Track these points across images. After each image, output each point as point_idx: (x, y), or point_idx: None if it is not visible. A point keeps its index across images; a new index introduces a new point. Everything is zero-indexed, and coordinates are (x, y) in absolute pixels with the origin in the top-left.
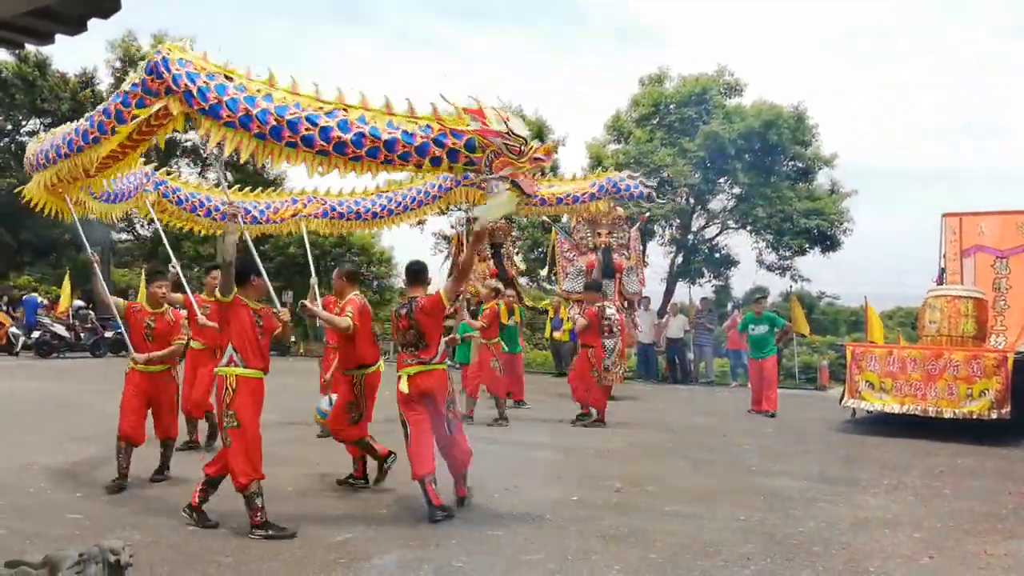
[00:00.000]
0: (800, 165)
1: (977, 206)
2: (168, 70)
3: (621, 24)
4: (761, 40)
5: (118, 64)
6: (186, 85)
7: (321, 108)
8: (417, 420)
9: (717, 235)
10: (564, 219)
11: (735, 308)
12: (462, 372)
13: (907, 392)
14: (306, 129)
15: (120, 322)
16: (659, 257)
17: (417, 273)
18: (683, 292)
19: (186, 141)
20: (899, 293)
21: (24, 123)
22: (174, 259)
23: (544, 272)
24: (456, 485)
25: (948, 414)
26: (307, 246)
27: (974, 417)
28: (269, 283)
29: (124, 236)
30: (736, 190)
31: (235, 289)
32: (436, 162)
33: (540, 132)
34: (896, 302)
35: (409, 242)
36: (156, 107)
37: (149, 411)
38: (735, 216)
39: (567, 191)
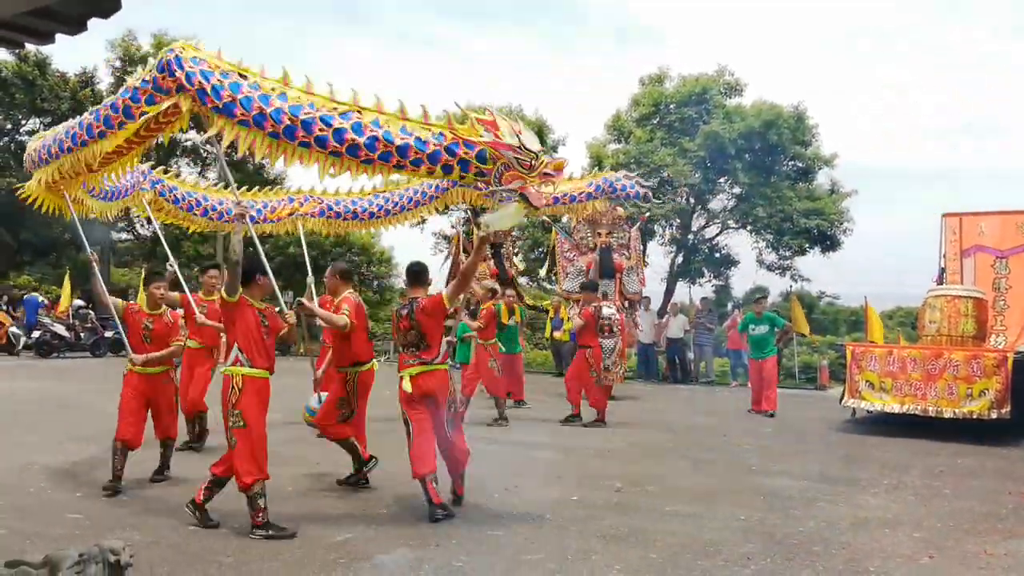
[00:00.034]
0: (800, 165)
1: (977, 206)
2: (181, 68)
3: (621, 24)
4: (761, 40)
5: (118, 64)
6: (200, 83)
7: (335, 109)
8: (419, 419)
9: (717, 235)
10: (564, 219)
11: (735, 308)
12: (462, 372)
13: (907, 392)
14: (320, 130)
15: (118, 323)
16: (659, 257)
17: (418, 274)
18: (683, 292)
19: (186, 141)
20: (899, 293)
21: (24, 122)
22: (171, 258)
23: (543, 272)
24: (454, 484)
25: (948, 414)
26: (303, 245)
27: (974, 417)
28: (274, 281)
29: (124, 236)
30: (736, 190)
31: (240, 289)
32: (447, 170)
33: (540, 132)
34: (896, 302)
35: (409, 242)
36: (166, 104)
37: (148, 413)
38: (735, 216)
39: (564, 191)
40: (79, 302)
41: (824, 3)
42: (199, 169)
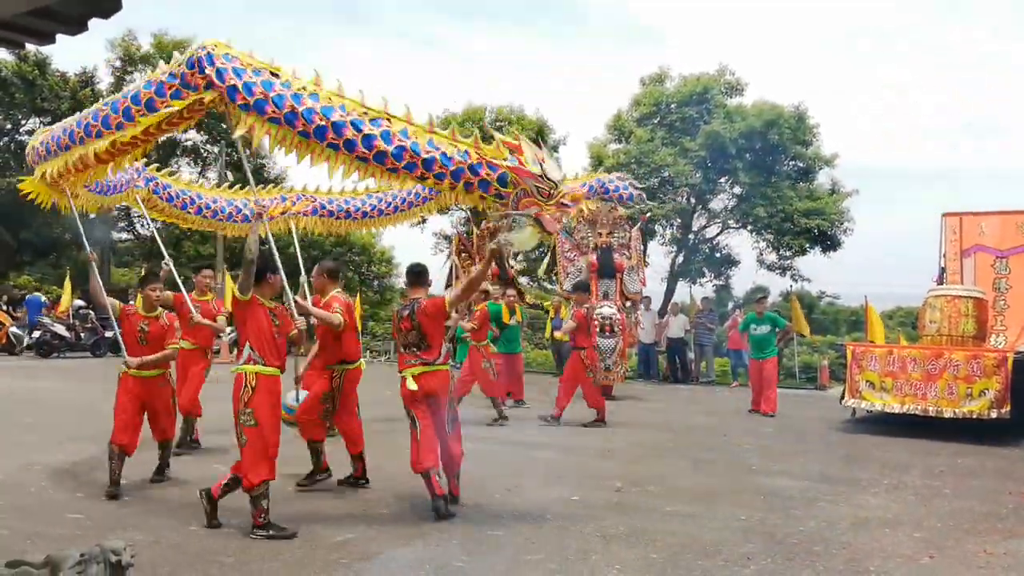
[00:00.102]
0: (801, 165)
1: (977, 206)
2: (212, 64)
3: (621, 24)
4: (762, 40)
5: (118, 63)
6: (231, 79)
7: (365, 114)
8: (424, 416)
9: (718, 235)
10: (564, 219)
11: (736, 308)
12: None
13: (907, 392)
14: (350, 134)
15: (115, 323)
16: (660, 257)
17: (418, 275)
18: (684, 292)
19: (186, 141)
20: (899, 293)
21: (24, 122)
22: (166, 256)
23: (541, 271)
24: (449, 484)
25: (948, 414)
26: (296, 244)
27: (974, 417)
28: (284, 279)
29: (124, 236)
30: (737, 190)
31: (253, 288)
32: (468, 187)
33: (541, 132)
34: (896, 302)
35: (410, 242)
36: (192, 100)
37: (144, 416)
38: (736, 216)
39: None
40: (79, 302)
41: (824, 3)
42: (199, 169)
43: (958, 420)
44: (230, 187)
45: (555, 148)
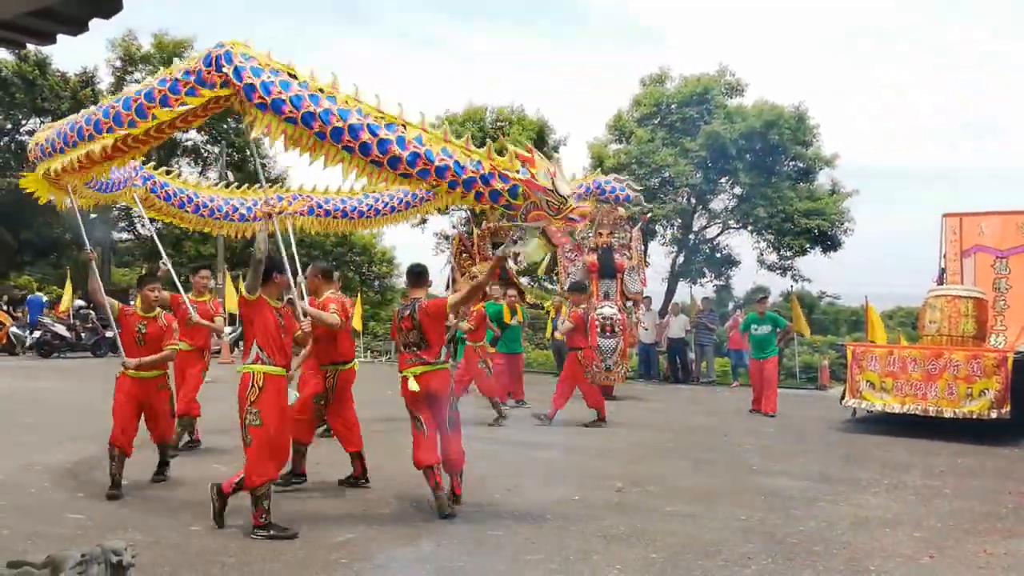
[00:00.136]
0: (801, 165)
1: (977, 206)
2: (230, 63)
3: (621, 24)
4: (762, 40)
5: (118, 63)
6: (249, 78)
7: (381, 118)
8: (426, 415)
9: (718, 235)
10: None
11: (736, 308)
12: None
13: (907, 392)
14: (366, 137)
15: (114, 323)
16: (660, 257)
17: (419, 275)
18: (684, 292)
19: (187, 141)
20: (899, 293)
21: (24, 122)
22: (164, 255)
23: (541, 271)
24: (452, 484)
25: (948, 414)
26: (292, 243)
27: (974, 417)
28: (291, 279)
29: (125, 236)
30: (737, 190)
31: (260, 288)
32: (478, 197)
33: (541, 132)
34: (896, 302)
35: (410, 242)
36: (208, 97)
37: (142, 416)
38: (736, 216)
39: None
40: (80, 302)
41: (824, 3)
42: (200, 169)
43: (958, 420)
44: (227, 187)
45: (555, 148)
